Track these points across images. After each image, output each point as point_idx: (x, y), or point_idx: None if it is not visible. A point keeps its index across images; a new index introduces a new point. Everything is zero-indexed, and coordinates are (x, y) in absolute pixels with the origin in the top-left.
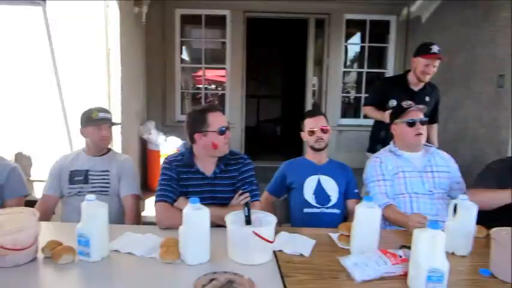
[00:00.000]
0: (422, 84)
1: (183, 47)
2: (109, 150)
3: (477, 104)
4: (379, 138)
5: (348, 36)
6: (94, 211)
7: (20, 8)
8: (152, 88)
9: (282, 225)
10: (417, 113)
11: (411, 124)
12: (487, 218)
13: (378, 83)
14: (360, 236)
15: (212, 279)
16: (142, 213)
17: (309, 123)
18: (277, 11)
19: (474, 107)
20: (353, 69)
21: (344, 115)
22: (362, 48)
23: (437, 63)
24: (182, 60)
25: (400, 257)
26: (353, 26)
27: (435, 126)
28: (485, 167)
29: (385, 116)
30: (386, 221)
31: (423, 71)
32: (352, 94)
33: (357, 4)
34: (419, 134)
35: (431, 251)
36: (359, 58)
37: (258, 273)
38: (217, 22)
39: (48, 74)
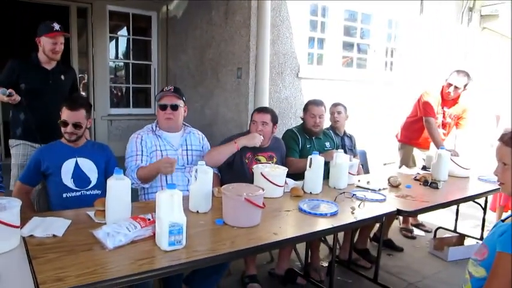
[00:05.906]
0: (55, 63)
1: None
2: None
3: (224, 92)
4: (19, 121)
5: (116, 28)
6: None
7: None
8: None
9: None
10: (171, 98)
11: (163, 108)
12: None
13: (8, 63)
14: (114, 208)
15: None
16: None
17: (66, 116)
18: None
19: (222, 95)
20: (119, 61)
21: (117, 105)
22: (128, 40)
23: (62, 40)
24: None
25: (149, 220)
26: (118, 19)
27: None
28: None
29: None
30: (141, 181)
31: (52, 49)
32: (124, 85)
33: None
34: (169, 119)
35: (170, 208)
36: (127, 50)
37: (2, 262)
38: None
39: None
